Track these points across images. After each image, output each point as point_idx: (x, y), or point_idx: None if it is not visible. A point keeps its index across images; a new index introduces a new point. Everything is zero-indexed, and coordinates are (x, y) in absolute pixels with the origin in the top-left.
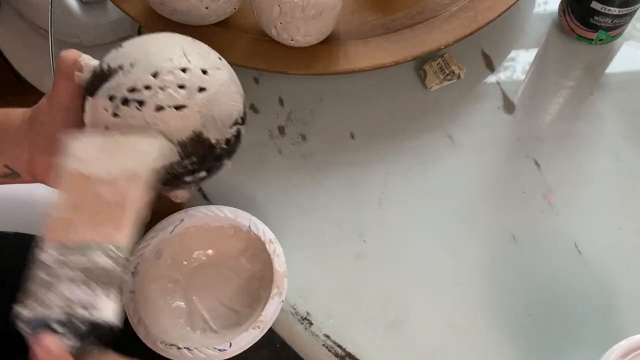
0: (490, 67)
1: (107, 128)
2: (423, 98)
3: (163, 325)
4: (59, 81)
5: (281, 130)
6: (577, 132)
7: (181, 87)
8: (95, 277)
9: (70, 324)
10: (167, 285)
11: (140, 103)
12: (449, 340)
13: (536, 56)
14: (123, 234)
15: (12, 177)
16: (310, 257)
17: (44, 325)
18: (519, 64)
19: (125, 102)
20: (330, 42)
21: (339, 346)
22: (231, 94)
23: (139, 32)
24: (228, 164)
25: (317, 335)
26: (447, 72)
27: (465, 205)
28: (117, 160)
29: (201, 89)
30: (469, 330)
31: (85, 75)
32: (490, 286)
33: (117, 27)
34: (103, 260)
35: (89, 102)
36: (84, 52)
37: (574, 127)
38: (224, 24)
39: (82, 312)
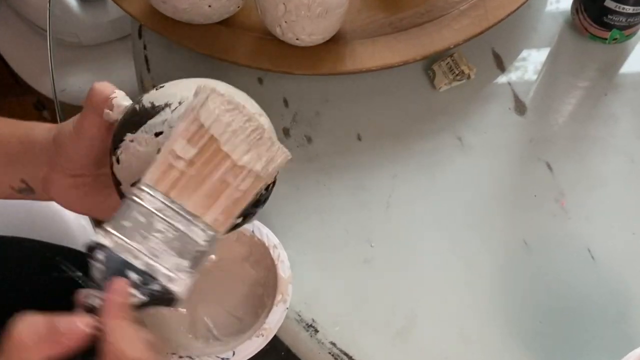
0: (501, 67)
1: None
2: (432, 99)
3: (164, 333)
4: (86, 113)
5: (286, 132)
6: (591, 134)
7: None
8: (189, 253)
9: (147, 281)
10: None
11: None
12: (458, 348)
13: (548, 56)
14: (226, 224)
15: (27, 192)
16: (316, 262)
17: (121, 268)
18: (530, 63)
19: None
20: (336, 41)
21: (345, 354)
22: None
23: (140, 32)
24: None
25: (322, 343)
26: (457, 72)
27: (475, 209)
28: (252, 152)
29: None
30: (479, 338)
31: (115, 115)
32: (501, 292)
33: (117, 26)
34: (202, 239)
35: (128, 137)
36: (84, 52)
37: (587, 129)
38: (227, 23)
39: (163, 276)
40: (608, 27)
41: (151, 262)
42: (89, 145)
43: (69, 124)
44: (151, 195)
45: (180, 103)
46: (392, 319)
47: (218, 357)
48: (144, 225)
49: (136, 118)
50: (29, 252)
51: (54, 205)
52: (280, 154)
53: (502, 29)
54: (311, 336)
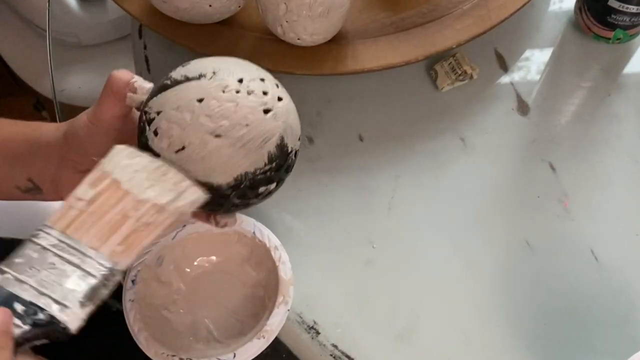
0: (504, 67)
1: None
2: (434, 99)
3: (164, 335)
4: (106, 100)
5: None
6: (594, 134)
7: (265, 93)
8: (81, 284)
9: (32, 311)
10: (169, 293)
11: (235, 105)
12: (460, 350)
13: (551, 56)
14: (128, 257)
15: (33, 192)
16: (317, 263)
17: (8, 300)
18: (533, 63)
19: (218, 101)
20: (338, 41)
21: (347, 356)
22: (296, 112)
23: (140, 31)
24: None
25: (324, 345)
26: (459, 72)
27: (477, 210)
28: (155, 187)
29: (279, 98)
30: (481, 340)
31: (139, 97)
32: (504, 294)
33: (117, 26)
34: (96, 273)
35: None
36: (84, 52)
37: (590, 129)
38: (227, 23)
39: (50, 305)
40: (612, 26)
41: (38, 293)
42: (105, 135)
43: (83, 116)
44: (46, 233)
45: (214, 73)
46: (393, 321)
47: (219, 359)
48: (36, 260)
49: (165, 90)
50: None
51: (56, 206)
52: (192, 191)
53: (504, 29)
54: (312, 338)
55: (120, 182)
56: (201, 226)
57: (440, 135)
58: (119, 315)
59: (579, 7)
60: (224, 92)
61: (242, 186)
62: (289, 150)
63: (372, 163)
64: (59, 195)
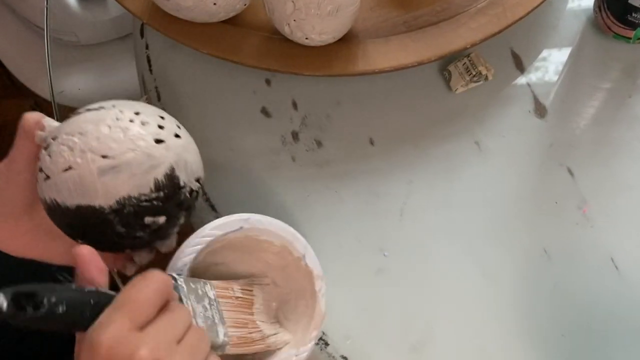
0: (520, 68)
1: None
2: (448, 101)
3: None
4: (19, 141)
5: (295, 135)
6: (614, 138)
7: (160, 127)
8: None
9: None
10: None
11: (124, 131)
12: None
13: (570, 56)
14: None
15: None
16: (327, 272)
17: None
18: (551, 64)
19: (110, 127)
20: (348, 41)
21: None
22: (197, 155)
23: (142, 30)
24: (174, 233)
25: (333, 357)
26: (474, 73)
27: (493, 217)
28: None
29: (177, 135)
30: (498, 352)
31: (47, 134)
32: (521, 304)
33: (118, 25)
34: (220, 339)
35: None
36: (83, 52)
37: (610, 133)
38: (233, 21)
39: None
40: (632, 25)
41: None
42: (21, 179)
43: (2, 164)
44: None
45: (114, 105)
46: (406, 332)
47: None
48: (199, 296)
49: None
50: (24, 261)
51: None
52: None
53: (521, 28)
54: (321, 350)
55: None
56: (252, 230)
57: (454, 139)
58: None
59: (598, 6)
60: (117, 119)
61: (125, 211)
62: (182, 185)
63: (383, 167)
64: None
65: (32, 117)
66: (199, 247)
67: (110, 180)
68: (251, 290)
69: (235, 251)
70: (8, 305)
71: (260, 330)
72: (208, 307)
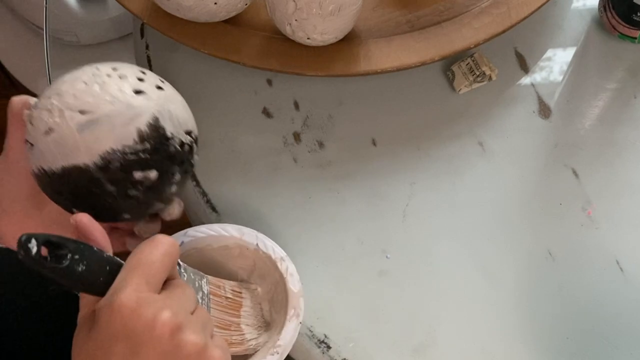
0: (525, 68)
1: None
2: (451, 102)
3: None
4: (10, 127)
5: (296, 136)
6: (620, 139)
7: (140, 80)
8: None
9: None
10: None
11: (101, 85)
12: None
13: (574, 56)
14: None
15: None
16: (329, 275)
17: None
18: (555, 64)
19: (86, 83)
20: (350, 40)
21: None
22: (187, 108)
23: (142, 30)
24: (179, 196)
25: None
26: (478, 73)
27: (497, 219)
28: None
29: (159, 87)
30: (501, 355)
31: (31, 111)
32: (525, 306)
33: (118, 25)
34: None
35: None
36: (83, 52)
37: (616, 133)
38: (234, 21)
39: None
40: (638, 25)
41: None
42: (22, 168)
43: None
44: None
45: (90, 65)
46: (409, 335)
47: None
48: (195, 288)
49: None
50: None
51: None
52: None
53: (525, 28)
54: (323, 353)
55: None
56: (199, 242)
57: (458, 140)
58: None
59: (603, 5)
60: (93, 75)
61: (111, 167)
62: (169, 136)
63: (385, 169)
64: (3, 243)
65: (19, 99)
66: None
67: (91, 134)
68: (240, 293)
69: (209, 271)
70: (37, 251)
71: (243, 334)
72: (200, 300)
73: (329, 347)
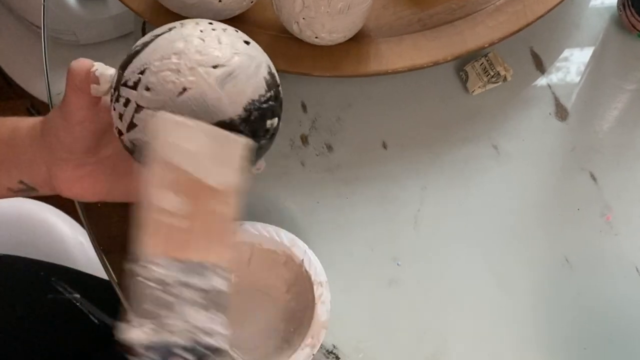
0: (541, 68)
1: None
2: (465, 103)
3: None
4: (71, 96)
5: (304, 139)
6: (639, 142)
7: (236, 30)
8: (213, 301)
9: (194, 351)
10: None
11: (218, 39)
12: None
13: (592, 56)
14: (229, 253)
15: (27, 192)
16: (337, 283)
17: (168, 351)
18: (573, 64)
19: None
20: (359, 40)
21: None
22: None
23: (144, 29)
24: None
25: None
26: (492, 73)
27: (512, 225)
28: (223, 167)
29: (246, 42)
30: None
31: (104, 86)
32: (541, 316)
33: (118, 23)
34: (220, 283)
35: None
36: (82, 52)
37: (635, 136)
38: (239, 20)
39: (206, 339)
40: None
41: (192, 333)
42: (81, 128)
43: (55, 115)
44: (154, 264)
45: (182, 24)
46: (420, 345)
47: None
48: (169, 301)
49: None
50: (22, 271)
51: (49, 221)
52: (236, 144)
53: (541, 27)
54: None
55: (194, 175)
56: (251, 236)
57: (471, 143)
58: None
59: (622, 3)
60: (201, 31)
61: (251, 117)
62: (278, 83)
63: (396, 173)
64: (55, 190)
65: (80, 68)
66: None
67: (233, 87)
68: None
69: (255, 270)
70: None
71: (228, 193)
72: (181, 286)
73: (337, 358)
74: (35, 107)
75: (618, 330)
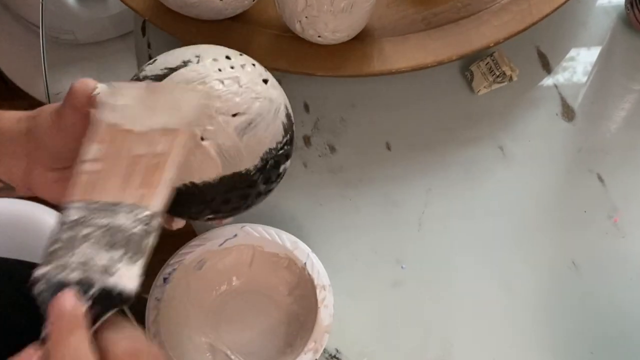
0: (547, 68)
1: None
2: (470, 103)
3: (180, 348)
4: (67, 112)
5: (307, 140)
6: None
7: (253, 65)
8: (121, 241)
9: (87, 287)
10: (197, 304)
11: (237, 80)
12: None
13: (599, 55)
14: (156, 195)
15: (5, 190)
16: (341, 286)
17: (60, 287)
18: (579, 64)
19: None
20: (363, 39)
21: None
22: None
23: (144, 28)
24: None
25: None
26: (498, 73)
27: (518, 227)
28: (157, 113)
29: (264, 80)
30: None
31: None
32: (547, 320)
33: (117, 23)
34: (130, 224)
35: None
36: (81, 51)
37: None
38: (241, 18)
39: (101, 276)
40: None
41: (87, 269)
42: (71, 139)
43: (46, 116)
44: (70, 208)
45: (197, 56)
46: (425, 349)
47: None
48: (70, 239)
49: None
50: (13, 273)
51: (42, 221)
52: (191, 94)
53: (547, 26)
54: None
55: (119, 124)
56: (252, 239)
57: (477, 144)
58: None
59: (630, 2)
60: (220, 70)
61: (267, 166)
62: (293, 122)
63: (400, 174)
64: (33, 191)
65: (82, 90)
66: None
67: (252, 137)
68: None
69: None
70: None
71: (152, 135)
72: (89, 226)
73: None
74: (34, 107)
75: (625, 334)
